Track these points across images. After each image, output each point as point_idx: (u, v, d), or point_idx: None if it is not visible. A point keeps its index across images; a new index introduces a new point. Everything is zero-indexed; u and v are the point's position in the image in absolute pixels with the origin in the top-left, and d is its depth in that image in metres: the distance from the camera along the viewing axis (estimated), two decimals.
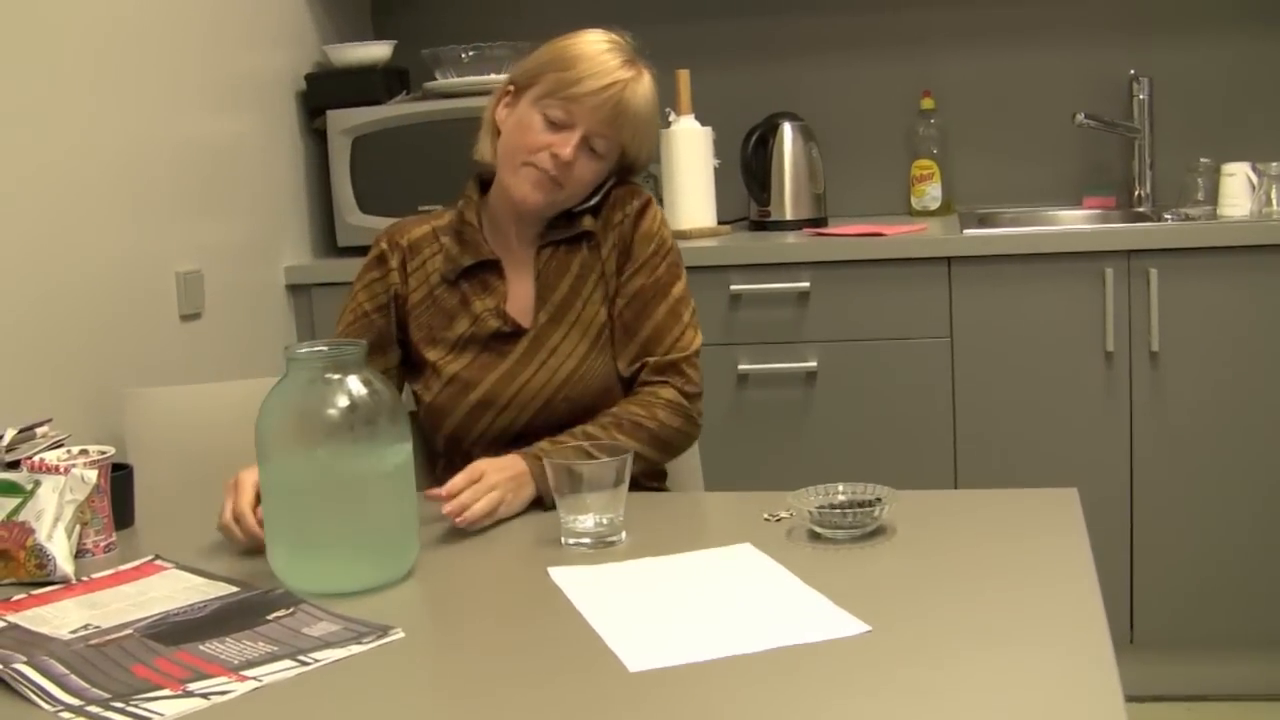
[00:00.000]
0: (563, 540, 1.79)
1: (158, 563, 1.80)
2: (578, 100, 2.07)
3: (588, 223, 2.17)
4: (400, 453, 1.71)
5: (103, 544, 1.87)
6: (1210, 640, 3.21)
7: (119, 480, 1.95)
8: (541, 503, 1.93)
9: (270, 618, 1.56)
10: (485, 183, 2.24)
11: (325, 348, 1.72)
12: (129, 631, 1.54)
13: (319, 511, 1.67)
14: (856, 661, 1.37)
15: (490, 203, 2.21)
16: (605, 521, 1.78)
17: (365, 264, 2.22)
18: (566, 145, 2.07)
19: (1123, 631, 3.18)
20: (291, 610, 1.58)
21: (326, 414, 1.67)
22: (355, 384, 1.68)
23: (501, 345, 2.14)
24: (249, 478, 1.82)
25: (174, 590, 1.69)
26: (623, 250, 2.17)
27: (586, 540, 1.78)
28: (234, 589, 1.67)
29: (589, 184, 2.15)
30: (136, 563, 1.80)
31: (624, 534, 1.79)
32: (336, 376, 1.67)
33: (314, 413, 1.68)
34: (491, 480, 1.89)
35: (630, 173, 2.22)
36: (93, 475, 1.82)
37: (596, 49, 2.10)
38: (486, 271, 2.17)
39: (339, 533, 1.66)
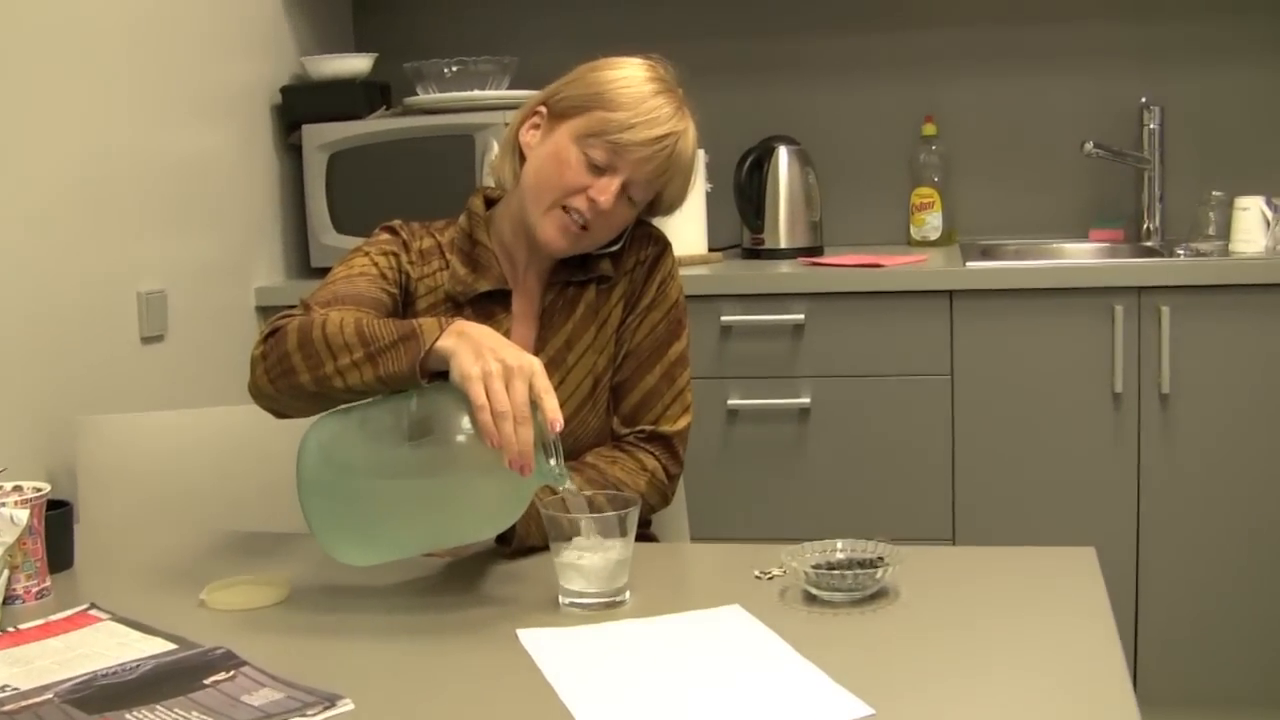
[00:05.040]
0: (561, 601, 1.62)
1: (92, 613, 1.66)
2: (626, 148, 1.91)
3: (605, 267, 2.03)
4: (507, 514, 1.65)
5: (35, 589, 1.73)
6: (1218, 697, 3.10)
7: (56, 519, 1.81)
8: (506, 540, 1.78)
9: (208, 682, 1.42)
10: (487, 200, 2.10)
11: None
12: (49, 696, 1.39)
13: (409, 512, 1.62)
14: None
15: (497, 225, 2.06)
16: (608, 579, 1.61)
17: (381, 239, 2.03)
18: (606, 192, 1.92)
19: None
20: (232, 674, 1.44)
21: (458, 441, 1.59)
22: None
23: None
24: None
25: (105, 646, 1.54)
26: (630, 301, 2.04)
27: (586, 600, 1.61)
28: (171, 646, 1.53)
29: (617, 230, 2.01)
30: (68, 613, 1.66)
31: (629, 594, 1.63)
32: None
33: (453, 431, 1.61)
34: None
35: (652, 213, 2.08)
36: (24, 516, 1.68)
37: (647, 89, 1.94)
38: (493, 302, 2.01)
39: (413, 534, 1.65)
